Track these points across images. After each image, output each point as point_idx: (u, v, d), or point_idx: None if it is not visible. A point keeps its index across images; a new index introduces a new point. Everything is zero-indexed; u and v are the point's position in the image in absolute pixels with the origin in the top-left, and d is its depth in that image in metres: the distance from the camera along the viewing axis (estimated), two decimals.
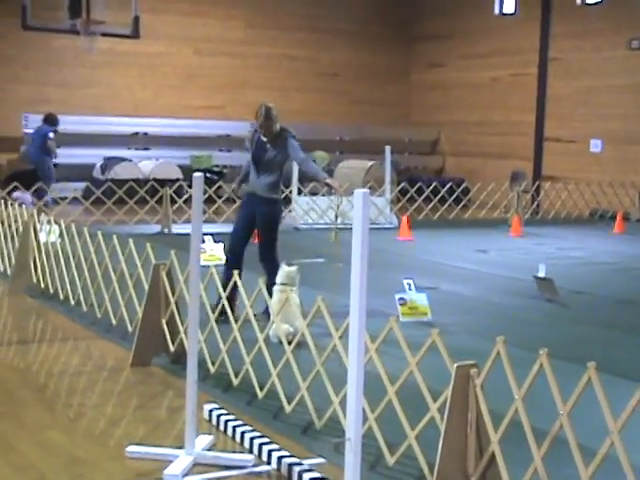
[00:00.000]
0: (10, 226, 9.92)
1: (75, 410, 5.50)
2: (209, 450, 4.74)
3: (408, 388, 4.50)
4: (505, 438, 3.83)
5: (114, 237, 7.44)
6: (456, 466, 3.84)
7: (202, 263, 6.36)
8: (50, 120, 16.03)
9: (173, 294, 6.31)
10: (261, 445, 4.68)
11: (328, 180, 7.87)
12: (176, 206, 14.79)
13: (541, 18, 20.03)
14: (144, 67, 20.58)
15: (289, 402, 5.17)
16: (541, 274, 9.47)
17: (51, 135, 15.78)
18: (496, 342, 3.81)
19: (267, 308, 6.41)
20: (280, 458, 4.50)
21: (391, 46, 23.46)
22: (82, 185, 17.47)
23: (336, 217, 8.06)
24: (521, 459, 3.85)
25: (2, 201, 10.71)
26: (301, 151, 7.85)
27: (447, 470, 3.82)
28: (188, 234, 9.76)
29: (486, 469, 3.82)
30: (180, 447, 4.67)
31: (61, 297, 8.29)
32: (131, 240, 7.17)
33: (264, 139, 7.90)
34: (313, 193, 16.47)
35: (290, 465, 4.41)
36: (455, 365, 3.87)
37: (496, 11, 20.44)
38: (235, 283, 5.83)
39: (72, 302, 8.06)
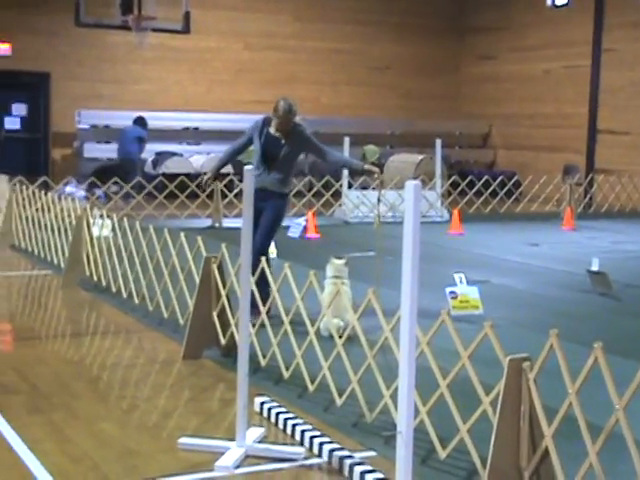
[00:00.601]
0: (63, 220, 10.05)
1: (128, 402, 5.55)
2: (260, 442, 4.75)
3: (460, 382, 4.47)
4: (558, 433, 3.78)
5: (165, 231, 7.49)
6: (509, 460, 3.80)
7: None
8: (142, 122, 17.69)
9: (224, 287, 6.34)
10: (312, 438, 4.68)
11: (366, 166, 7.73)
12: (227, 200, 14.86)
13: (594, 9, 19.72)
14: (194, 62, 20.70)
15: (340, 395, 5.16)
16: (594, 268, 9.33)
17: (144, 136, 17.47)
18: (549, 335, 3.76)
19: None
20: (331, 451, 4.49)
21: (441, 38, 23.30)
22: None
23: (378, 201, 7.93)
24: (575, 454, 3.80)
25: (56, 195, 10.86)
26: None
27: (500, 464, 3.78)
28: (239, 228, 9.83)
29: (539, 464, 3.78)
30: (231, 439, 4.69)
31: (113, 290, 8.38)
32: (182, 233, 7.22)
33: (276, 134, 7.62)
34: (364, 187, 16.44)
35: (341, 458, 4.41)
36: (507, 358, 3.83)
37: (548, 3, 20.16)
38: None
39: (124, 295, 8.14)
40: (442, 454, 4.34)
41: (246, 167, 4.59)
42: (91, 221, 8.86)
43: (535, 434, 3.78)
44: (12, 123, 19.68)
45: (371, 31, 22.43)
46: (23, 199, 11.19)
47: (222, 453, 4.56)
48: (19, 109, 19.76)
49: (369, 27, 22.38)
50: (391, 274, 10.13)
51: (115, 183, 15.13)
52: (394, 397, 4.72)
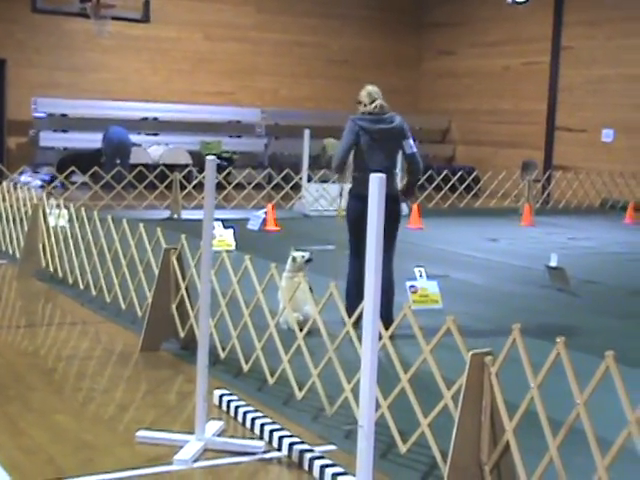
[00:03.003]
0: (19, 209, 9.89)
1: (84, 394, 5.47)
2: (219, 436, 4.71)
3: (421, 376, 4.46)
4: (519, 427, 3.78)
5: (124, 221, 7.40)
6: (470, 455, 3.79)
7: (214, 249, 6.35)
8: None
9: (183, 279, 6.27)
10: (272, 431, 4.64)
11: None
12: (185, 192, 14.75)
13: (554, 6, 19.88)
14: (154, 52, 20.50)
15: (300, 389, 5.13)
16: (553, 263, 9.40)
17: None
18: (511, 330, 3.75)
19: None
20: (291, 445, 4.46)
21: (401, 33, 23.33)
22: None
23: (340, 195, 7.78)
24: (535, 449, 3.80)
25: (11, 185, 10.67)
26: None
27: (460, 459, 3.77)
28: (197, 220, 9.70)
29: (500, 458, 3.78)
30: (190, 432, 4.63)
31: (70, 281, 8.27)
32: (141, 225, 7.14)
33: None
34: (323, 180, 16.42)
35: (301, 452, 4.37)
36: (470, 353, 3.82)
37: None
38: None
39: (81, 286, 8.03)
40: (403, 448, 4.33)
41: (208, 157, 4.53)
42: (47, 211, 8.72)
43: (496, 429, 3.78)
44: None
45: (333, 24, 22.40)
46: None
47: (180, 446, 4.51)
48: None
49: (331, 20, 22.34)
50: (345, 266, 10.19)
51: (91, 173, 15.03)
52: (355, 391, 4.71)
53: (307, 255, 7.12)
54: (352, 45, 22.73)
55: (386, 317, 5.06)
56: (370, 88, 7.03)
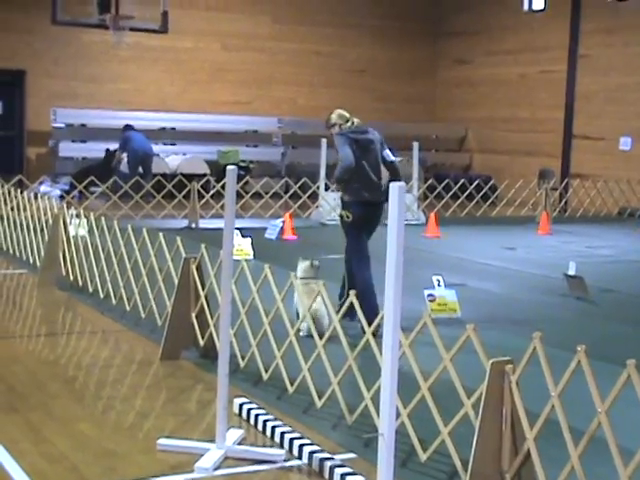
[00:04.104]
0: (39, 219, 9.96)
1: (105, 403, 5.50)
2: (239, 444, 4.73)
3: (441, 384, 4.47)
4: (540, 436, 3.78)
5: (144, 231, 7.44)
6: (490, 463, 3.80)
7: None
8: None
9: (203, 288, 6.30)
10: (292, 440, 4.66)
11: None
12: (203, 201, 14.80)
13: (571, 14, 19.86)
14: (171, 62, 20.62)
15: (320, 397, 5.15)
16: (571, 272, 9.38)
17: None
18: (532, 338, 3.76)
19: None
20: (311, 453, 4.48)
21: (417, 42, 23.36)
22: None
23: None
24: (556, 458, 3.80)
25: (32, 194, 10.76)
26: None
27: (481, 467, 3.78)
28: (215, 229, 9.71)
29: (521, 467, 3.78)
30: (210, 440, 4.66)
31: (90, 290, 8.32)
32: (161, 234, 7.18)
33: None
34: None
35: (321, 460, 4.39)
36: (490, 361, 3.83)
37: (525, 7, 20.31)
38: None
39: (101, 295, 8.08)
40: (423, 456, 4.33)
41: (228, 167, 4.57)
42: (68, 220, 8.78)
43: (517, 437, 3.79)
44: None
45: (349, 34, 22.45)
46: None
47: (201, 455, 4.53)
48: None
49: (348, 30, 22.40)
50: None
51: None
52: (375, 399, 4.72)
53: (317, 262, 7.17)
54: (369, 54, 22.79)
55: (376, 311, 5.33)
56: (340, 111, 7.54)
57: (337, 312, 5.33)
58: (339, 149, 7.20)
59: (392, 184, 3.80)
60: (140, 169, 17.88)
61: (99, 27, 16.84)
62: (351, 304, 5.03)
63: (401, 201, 3.79)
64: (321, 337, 5.28)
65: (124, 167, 18.21)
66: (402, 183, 3.73)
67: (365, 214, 7.27)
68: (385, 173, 7.56)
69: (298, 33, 21.93)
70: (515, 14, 20.88)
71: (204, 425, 5.15)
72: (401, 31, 23.06)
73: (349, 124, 7.37)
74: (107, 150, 18.56)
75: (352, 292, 5.09)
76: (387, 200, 6.72)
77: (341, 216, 7.49)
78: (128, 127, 18.38)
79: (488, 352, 4.09)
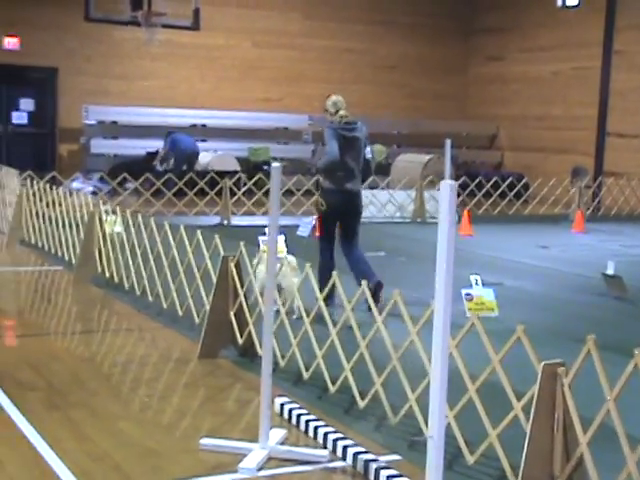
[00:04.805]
0: (74, 216, 9.98)
1: (144, 401, 5.48)
2: (282, 444, 4.68)
3: (487, 386, 4.40)
4: (593, 440, 3.70)
5: (181, 228, 7.42)
6: (542, 468, 3.73)
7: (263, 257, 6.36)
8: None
9: (242, 286, 6.26)
10: (335, 440, 4.60)
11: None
12: (235, 198, 14.78)
13: (605, 10, 19.63)
14: (203, 59, 20.62)
15: (362, 397, 5.09)
16: (610, 271, 9.26)
17: None
18: (587, 341, 3.68)
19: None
20: (356, 454, 4.42)
21: (449, 39, 23.22)
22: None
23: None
24: (611, 463, 3.72)
25: (67, 191, 10.78)
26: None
27: (532, 471, 3.71)
28: (247, 226, 9.65)
29: (573, 472, 3.71)
30: (250, 440, 4.62)
31: (126, 287, 8.30)
32: (199, 231, 7.16)
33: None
34: (372, 187, 16.37)
35: (367, 462, 4.33)
36: (542, 364, 3.76)
37: (558, 3, 20.09)
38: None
39: (137, 292, 8.06)
40: (470, 459, 4.27)
41: (273, 164, 4.51)
42: (103, 217, 8.78)
43: (569, 442, 3.71)
44: (19, 118, 19.58)
45: (380, 30, 22.35)
46: (33, 194, 11.11)
47: (243, 454, 4.49)
48: (27, 104, 19.65)
49: (378, 26, 22.30)
50: (403, 275, 10.15)
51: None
52: (419, 400, 4.67)
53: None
54: (400, 51, 22.67)
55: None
56: (334, 98, 7.99)
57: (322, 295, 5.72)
58: (327, 142, 7.82)
59: (442, 183, 3.75)
60: (184, 166, 18.15)
61: (131, 24, 16.86)
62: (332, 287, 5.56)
63: (451, 199, 3.72)
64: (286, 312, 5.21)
65: (159, 165, 18.35)
66: (453, 182, 3.66)
67: (342, 202, 7.95)
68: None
69: (329, 30, 21.86)
70: (548, 10, 20.67)
71: (244, 424, 5.12)
72: (432, 28, 22.92)
73: (337, 116, 7.87)
74: (148, 153, 18.76)
75: (364, 283, 5.31)
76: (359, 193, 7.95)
77: (316, 203, 8.24)
78: (171, 132, 18.78)
79: (527, 353, 4.03)
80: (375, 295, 6.36)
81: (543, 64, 21.34)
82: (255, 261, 7.04)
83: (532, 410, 3.73)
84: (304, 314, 5.80)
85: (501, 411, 4.22)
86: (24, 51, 18.98)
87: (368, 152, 8.05)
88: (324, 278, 7.12)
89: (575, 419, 3.67)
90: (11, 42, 18.89)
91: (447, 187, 3.71)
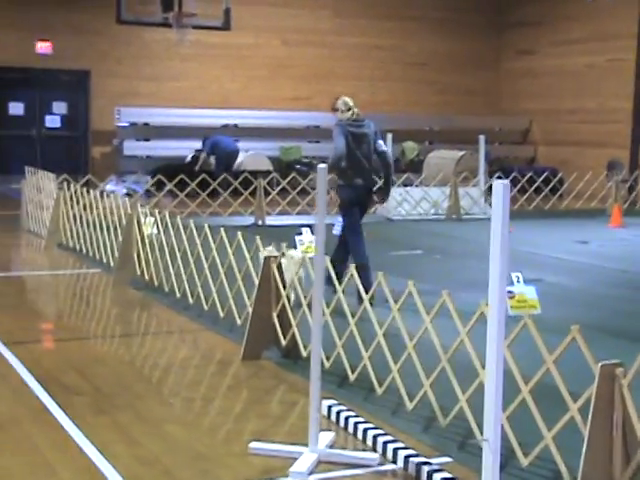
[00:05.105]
0: (112, 218, 10.00)
1: (189, 404, 5.47)
2: (331, 447, 4.64)
3: (539, 387, 4.33)
4: None
5: (222, 230, 7.41)
6: (601, 470, 3.66)
7: (301, 254, 6.33)
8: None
9: (284, 287, 6.23)
10: (385, 443, 4.56)
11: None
12: (269, 198, 14.76)
13: (639, 1, 19.40)
14: (233, 59, 20.63)
15: (410, 399, 5.03)
16: None
17: None
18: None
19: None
20: (407, 457, 4.37)
21: (480, 34, 23.05)
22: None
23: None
24: None
25: (105, 194, 10.81)
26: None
27: (592, 474, 3.64)
28: (282, 226, 9.65)
29: (634, 474, 3.63)
30: (296, 443, 4.59)
31: (166, 289, 8.30)
32: (239, 233, 7.13)
33: None
34: (406, 184, 16.30)
35: (418, 465, 4.28)
36: (599, 364, 3.69)
37: None
38: None
39: (177, 295, 8.05)
40: (524, 461, 4.20)
41: (319, 165, 4.48)
42: (142, 219, 8.78)
43: (629, 444, 3.64)
44: (53, 122, 19.73)
45: (410, 27, 22.24)
46: (70, 198, 11.16)
47: (293, 458, 4.45)
48: (59, 107, 19.80)
49: (408, 23, 22.19)
50: (440, 273, 10.08)
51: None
52: (470, 401, 4.61)
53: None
54: (430, 47, 22.55)
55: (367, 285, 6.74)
56: (345, 98, 8.38)
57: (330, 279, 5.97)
58: (335, 138, 8.13)
59: (495, 183, 3.71)
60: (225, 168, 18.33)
61: (162, 25, 16.88)
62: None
63: (505, 198, 3.67)
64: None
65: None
66: (506, 182, 3.62)
67: (356, 196, 8.25)
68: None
69: (358, 27, 21.79)
70: (581, 3, 20.45)
71: (290, 427, 5.09)
72: (463, 23, 22.77)
73: (349, 113, 8.21)
74: (194, 156, 18.82)
75: (352, 266, 5.80)
76: (375, 185, 8.37)
77: (331, 199, 8.37)
78: (208, 136, 18.88)
79: (575, 353, 3.96)
80: (340, 274, 6.70)
81: (576, 57, 21.12)
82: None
83: (590, 412, 3.67)
84: (303, 301, 6.09)
85: (553, 412, 4.16)
86: (56, 55, 19.12)
87: (381, 145, 8.30)
88: (337, 267, 7.23)
89: (635, 420, 3.60)
90: (43, 46, 19.02)
91: (501, 187, 3.66)
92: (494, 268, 3.62)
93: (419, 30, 22.35)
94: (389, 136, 15.45)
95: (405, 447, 4.50)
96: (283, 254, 6.79)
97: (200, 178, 15.16)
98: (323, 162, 4.80)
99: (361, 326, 5.63)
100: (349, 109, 8.25)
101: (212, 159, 18.56)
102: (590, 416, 3.67)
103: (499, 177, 16.96)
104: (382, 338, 5.32)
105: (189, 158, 18.96)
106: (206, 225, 7.71)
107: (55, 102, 19.73)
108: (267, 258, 6.31)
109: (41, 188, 12.13)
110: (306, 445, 4.55)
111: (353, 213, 8.40)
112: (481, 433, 4.41)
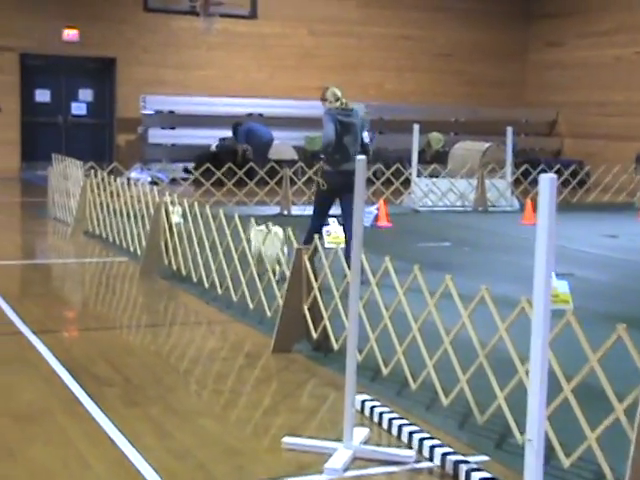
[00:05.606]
0: (139, 207, 9.96)
1: (222, 396, 5.41)
2: (366, 444, 4.57)
3: (581, 386, 4.24)
4: None
5: (252, 220, 7.34)
6: None
7: (326, 245, 6.27)
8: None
9: (316, 279, 6.16)
10: (422, 440, 4.48)
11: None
12: (295, 188, 14.68)
13: None
14: (259, 48, 20.53)
15: (446, 395, 4.95)
16: None
17: None
18: None
19: None
20: (444, 455, 4.29)
21: (507, 25, 22.83)
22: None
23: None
24: None
25: (132, 182, 10.78)
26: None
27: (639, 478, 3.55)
28: (307, 216, 9.65)
29: None
30: (329, 438, 4.52)
31: (194, 279, 8.24)
32: (270, 224, 7.06)
33: None
34: (433, 175, 16.18)
35: (456, 463, 4.20)
36: None
37: None
38: None
39: (206, 285, 7.98)
40: (566, 462, 4.11)
41: (358, 157, 4.39)
42: (170, 208, 8.73)
43: None
44: (78, 109, 19.74)
45: (437, 17, 22.06)
46: (97, 186, 11.13)
47: (327, 454, 4.38)
48: (85, 95, 19.81)
49: (435, 13, 22.01)
50: (468, 265, 9.98)
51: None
52: (508, 399, 4.52)
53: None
54: (456, 38, 22.36)
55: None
56: (334, 89, 8.74)
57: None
58: (324, 125, 8.54)
59: (541, 176, 3.62)
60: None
61: (190, 14, 16.82)
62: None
63: (552, 192, 3.58)
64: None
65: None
66: (553, 175, 3.52)
67: (340, 181, 8.44)
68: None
69: (385, 17, 21.63)
70: None
71: (322, 421, 5.03)
72: (490, 14, 22.56)
73: (338, 103, 8.60)
74: (220, 145, 18.72)
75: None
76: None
77: (317, 183, 8.80)
78: (238, 123, 18.72)
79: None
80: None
81: (605, 49, 20.88)
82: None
83: (638, 414, 3.57)
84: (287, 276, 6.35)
85: (595, 412, 4.07)
86: (83, 42, 19.11)
87: (366, 137, 8.85)
88: (308, 241, 7.61)
89: None
90: (70, 34, 19.02)
91: (547, 181, 3.57)
92: (540, 264, 3.53)
93: (446, 20, 22.16)
94: (416, 127, 15.34)
95: (441, 444, 4.42)
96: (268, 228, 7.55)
97: (247, 167, 15.08)
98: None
99: (394, 319, 5.55)
100: (337, 99, 8.63)
101: (246, 147, 18.40)
102: (638, 419, 3.57)
103: (526, 169, 16.82)
104: (417, 333, 5.23)
105: (214, 147, 18.87)
106: (236, 215, 7.64)
107: (81, 89, 19.74)
108: (299, 250, 6.24)
109: (68, 175, 12.12)
110: (338, 440, 4.49)
111: (329, 198, 8.74)
112: (520, 431, 4.34)
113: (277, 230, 7.94)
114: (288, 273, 6.33)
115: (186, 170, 15.62)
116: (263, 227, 7.90)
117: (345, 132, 8.56)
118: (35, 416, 4.89)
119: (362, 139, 8.77)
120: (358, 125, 8.71)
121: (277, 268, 7.82)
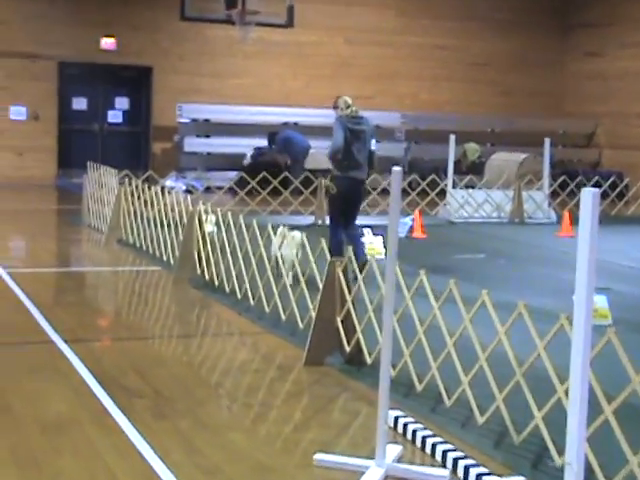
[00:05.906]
0: (173, 216, 9.93)
1: (253, 410, 5.33)
2: (398, 461, 4.46)
3: (622, 406, 4.10)
4: None
5: (285, 230, 7.26)
6: None
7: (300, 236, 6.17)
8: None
9: (349, 292, 6.06)
10: (456, 460, 4.36)
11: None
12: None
13: None
14: (295, 56, 20.53)
15: (481, 412, 4.83)
16: None
17: None
18: None
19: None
20: (479, 475, 4.17)
21: (544, 35, 22.62)
22: (233, 174, 17.41)
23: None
24: None
25: (166, 191, 10.76)
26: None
27: None
28: None
29: None
30: (361, 455, 4.42)
31: (227, 290, 8.17)
32: (304, 235, 6.98)
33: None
34: (468, 186, 16.01)
35: None
36: None
37: None
38: None
39: (238, 295, 7.91)
40: None
41: (394, 168, 4.30)
42: (204, 218, 8.68)
43: None
44: (115, 117, 19.85)
45: (473, 27, 21.93)
46: (132, 194, 11.13)
47: (359, 472, 4.29)
48: (122, 103, 19.92)
49: (472, 23, 21.87)
50: (504, 277, 9.83)
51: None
52: (546, 419, 4.39)
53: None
54: (493, 48, 22.20)
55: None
56: (346, 98, 9.01)
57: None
58: (334, 132, 8.75)
59: (583, 190, 3.51)
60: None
61: (226, 22, 16.83)
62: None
63: (595, 207, 3.46)
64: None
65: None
66: (596, 190, 3.40)
67: (349, 188, 8.82)
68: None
69: (422, 26, 21.53)
70: None
71: (353, 437, 4.93)
72: (527, 24, 22.37)
73: (349, 110, 8.82)
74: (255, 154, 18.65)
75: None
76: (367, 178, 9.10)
77: (327, 188, 9.07)
78: (274, 133, 18.46)
79: None
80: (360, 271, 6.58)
81: None
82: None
83: None
84: (302, 280, 6.66)
85: (636, 432, 3.94)
86: (120, 51, 19.23)
87: (373, 144, 8.97)
88: (337, 253, 7.79)
89: None
90: (108, 42, 19.15)
91: (589, 195, 3.45)
92: (581, 282, 3.41)
93: (482, 30, 22.02)
94: (452, 137, 15.20)
95: (476, 464, 4.30)
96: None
97: (282, 176, 15.01)
98: (396, 165, 4.62)
99: (429, 333, 5.44)
100: (348, 107, 8.86)
101: (285, 156, 18.30)
102: None
103: (564, 181, 16.60)
104: (452, 348, 5.11)
105: (248, 159, 18.80)
106: (269, 225, 7.57)
107: (117, 98, 19.85)
108: (332, 262, 6.15)
109: (103, 183, 12.14)
110: (371, 457, 4.39)
111: (340, 205, 8.96)
112: (557, 452, 4.21)
113: (294, 234, 8.13)
114: (300, 277, 6.49)
115: (230, 189, 15.40)
116: (281, 230, 8.13)
117: (354, 139, 8.78)
118: (63, 426, 4.84)
119: (370, 147, 8.96)
120: (367, 132, 8.91)
121: (290, 273, 7.86)
